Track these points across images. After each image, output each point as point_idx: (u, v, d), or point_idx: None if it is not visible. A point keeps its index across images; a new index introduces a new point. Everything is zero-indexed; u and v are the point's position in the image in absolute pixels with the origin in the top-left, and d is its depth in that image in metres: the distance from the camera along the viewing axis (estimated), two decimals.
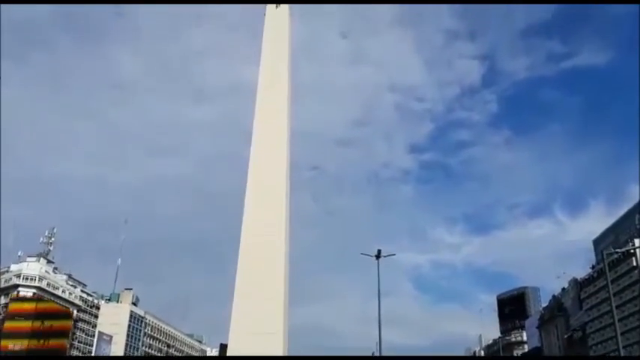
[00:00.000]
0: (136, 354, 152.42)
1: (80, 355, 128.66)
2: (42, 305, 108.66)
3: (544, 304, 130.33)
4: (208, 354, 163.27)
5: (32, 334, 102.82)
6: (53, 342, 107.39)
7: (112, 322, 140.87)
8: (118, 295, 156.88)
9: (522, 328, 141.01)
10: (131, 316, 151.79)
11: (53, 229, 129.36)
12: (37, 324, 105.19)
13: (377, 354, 51.58)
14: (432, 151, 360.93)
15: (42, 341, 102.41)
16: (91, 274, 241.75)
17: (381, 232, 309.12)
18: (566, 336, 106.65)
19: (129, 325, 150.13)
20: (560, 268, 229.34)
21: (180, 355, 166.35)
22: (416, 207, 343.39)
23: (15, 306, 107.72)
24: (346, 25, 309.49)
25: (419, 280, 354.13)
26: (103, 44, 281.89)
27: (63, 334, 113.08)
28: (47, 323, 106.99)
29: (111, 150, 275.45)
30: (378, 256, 38.91)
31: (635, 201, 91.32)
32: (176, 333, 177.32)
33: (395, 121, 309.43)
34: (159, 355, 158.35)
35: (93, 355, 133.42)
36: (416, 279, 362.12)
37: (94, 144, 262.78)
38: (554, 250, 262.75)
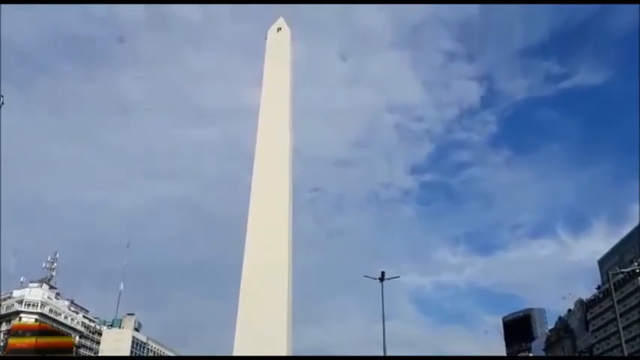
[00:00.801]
0: None
1: None
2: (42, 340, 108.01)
3: (550, 326, 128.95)
4: None
5: None
6: None
7: (114, 348, 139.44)
8: (120, 320, 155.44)
9: (529, 350, 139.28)
10: (133, 342, 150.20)
11: (55, 254, 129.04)
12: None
13: None
14: (433, 171, 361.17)
15: None
16: (92, 299, 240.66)
17: (382, 253, 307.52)
18: None
19: (131, 352, 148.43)
20: (565, 289, 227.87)
21: None
22: (417, 228, 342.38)
23: (15, 341, 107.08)
24: (345, 47, 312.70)
25: (422, 302, 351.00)
26: (104, 69, 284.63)
27: None
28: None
29: (112, 174, 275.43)
30: (381, 279, 38.61)
31: (637, 219, 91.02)
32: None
33: (395, 141, 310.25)
34: None
35: None
36: (419, 301, 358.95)
37: (95, 168, 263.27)
38: (558, 270, 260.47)
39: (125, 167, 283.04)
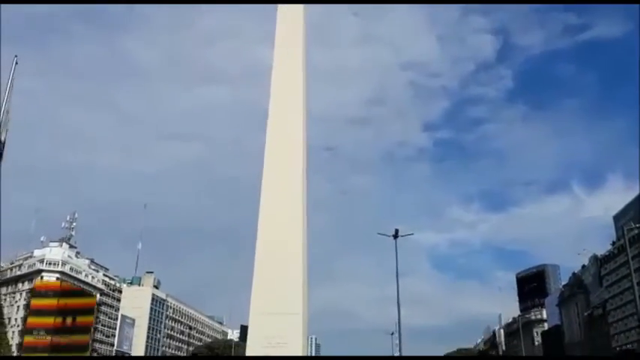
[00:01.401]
0: (158, 336, 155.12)
1: (104, 337, 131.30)
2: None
3: (564, 282, 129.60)
4: (229, 336, 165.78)
5: (58, 312, 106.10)
6: (79, 319, 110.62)
7: (135, 305, 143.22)
8: (140, 278, 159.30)
9: (542, 306, 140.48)
10: (153, 299, 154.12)
11: (74, 213, 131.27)
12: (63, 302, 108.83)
13: (396, 335, 52.07)
14: (447, 128, 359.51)
15: (68, 319, 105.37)
16: (111, 259, 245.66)
17: (397, 211, 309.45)
18: (586, 313, 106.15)
19: (151, 308, 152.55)
20: (579, 245, 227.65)
21: (201, 337, 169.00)
22: (432, 185, 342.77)
23: (37, 302, 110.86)
24: (358, 4, 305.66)
25: (436, 259, 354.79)
26: (117, 32, 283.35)
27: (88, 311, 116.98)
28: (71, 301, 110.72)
29: (125, 137, 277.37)
30: (395, 236, 38.90)
31: None
32: (198, 315, 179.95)
33: (409, 98, 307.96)
34: (181, 337, 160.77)
35: (116, 337, 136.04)
36: (433, 258, 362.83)
37: (108, 132, 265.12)
38: (573, 226, 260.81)
39: (137, 130, 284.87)
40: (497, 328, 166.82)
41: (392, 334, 59.28)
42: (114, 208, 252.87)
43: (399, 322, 41.76)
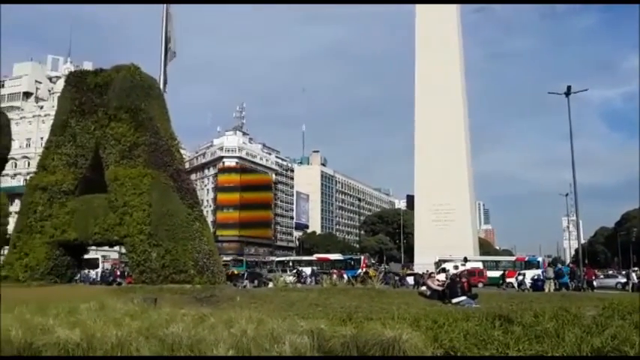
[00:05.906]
0: (330, 209, 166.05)
1: (284, 212, 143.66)
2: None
3: None
4: (396, 206, 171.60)
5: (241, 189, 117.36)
6: (260, 195, 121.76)
7: (306, 182, 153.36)
8: (308, 158, 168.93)
9: None
10: (322, 175, 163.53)
11: (242, 103, 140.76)
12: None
13: (570, 196, 49.85)
14: None
15: (252, 195, 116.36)
16: (276, 141, 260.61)
17: (561, 70, 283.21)
18: None
19: (321, 184, 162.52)
20: None
21: (370, 207, 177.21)
22: (600, 37, 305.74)
23: (223, 178, 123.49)
24: None
25: (609, 117, 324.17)
26: None
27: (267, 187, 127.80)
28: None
29: (262, 22, 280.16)
30: (567, 94, 36.09)
31: None
32: (365, 188, 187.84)
33: None
34: (351, 208, 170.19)
35: (294, 211, 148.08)
36: (605, 115, 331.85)
37: (246, 18, 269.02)
38: None
39: (276, 15, 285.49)
40: None
41: (566, 195, 56.73)
42: (267, 95, 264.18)
43: (574, 183, 39.54)
